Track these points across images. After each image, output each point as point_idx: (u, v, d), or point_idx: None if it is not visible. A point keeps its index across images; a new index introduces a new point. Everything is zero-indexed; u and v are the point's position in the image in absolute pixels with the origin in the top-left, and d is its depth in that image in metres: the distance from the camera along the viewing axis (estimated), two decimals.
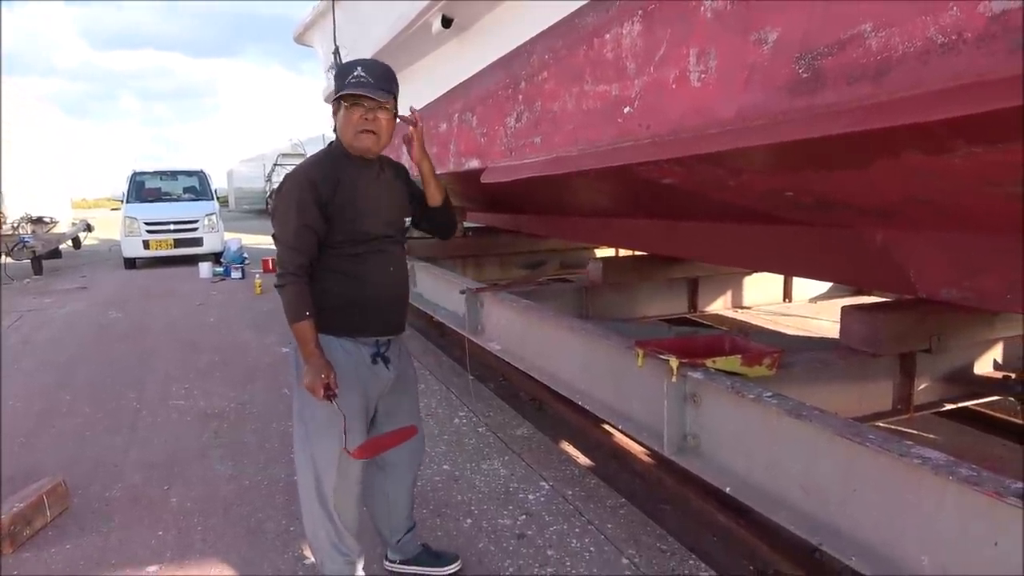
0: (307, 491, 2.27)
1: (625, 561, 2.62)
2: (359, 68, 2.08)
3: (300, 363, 2.16)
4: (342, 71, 2.11)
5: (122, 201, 13.42)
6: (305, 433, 2.23)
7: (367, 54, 5.39)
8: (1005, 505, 1.42)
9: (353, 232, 2.13)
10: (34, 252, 11.43)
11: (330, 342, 2.15)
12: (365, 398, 2.25)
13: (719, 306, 5.22)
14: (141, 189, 13.27)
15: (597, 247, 6.81)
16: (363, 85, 2.06)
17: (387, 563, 2.60)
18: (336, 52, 6.08)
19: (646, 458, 3.47)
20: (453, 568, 2.56)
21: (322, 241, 2.11)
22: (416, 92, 4.99)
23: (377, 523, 2.56)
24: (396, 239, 2.28)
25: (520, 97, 3.41)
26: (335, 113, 2.15)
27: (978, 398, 3.09)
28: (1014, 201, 1.81)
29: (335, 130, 2.19)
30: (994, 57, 1.35)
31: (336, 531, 2.27)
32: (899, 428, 2.97)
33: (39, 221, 13.12)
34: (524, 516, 2.97)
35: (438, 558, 2.58)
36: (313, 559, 2.43)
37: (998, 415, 3.60)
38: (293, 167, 2.23)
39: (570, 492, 3.17)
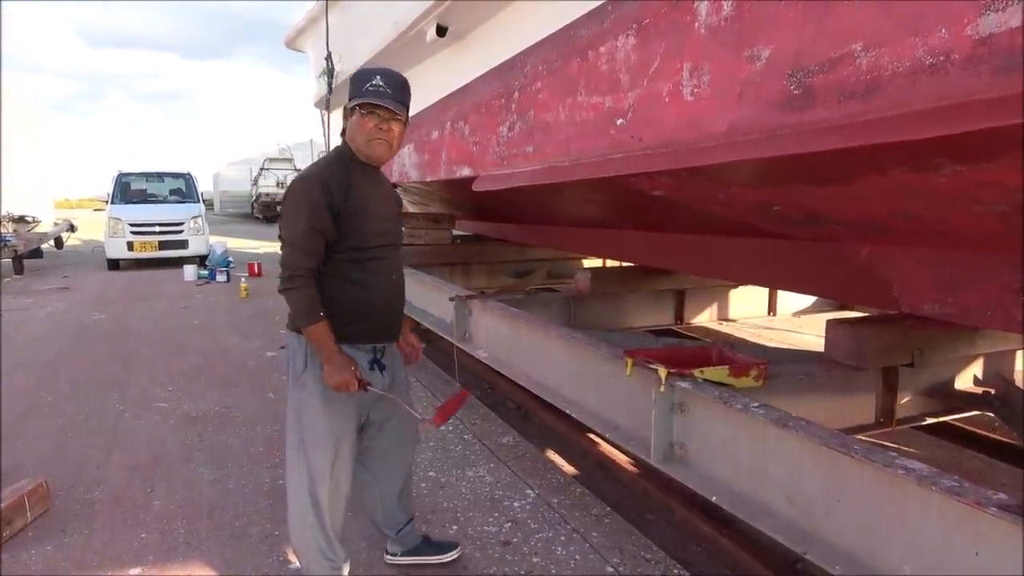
0: (299, 497, 2.27)
1: (610, 570, 2.63)
2: (378, 77, 2.09)
3: (299, 367, 2.19)
4: (360, 78, 2.12)
5: (107, 202, 13.31)
6: (300, 439, 2.23)
7: (360, 61, 5.41)
8: (986, 515, 1.45)
9: (360, 238, 2.13)
10: (15, 251, 11.30)
11: None
12: (359, 405, 2.28)
13: (705, 318, 5.26)
14: (126, 190, 13.16)
15: (585, 257, 6.84)
16: (381, 95, 2.07)
17: (388, 556, 2.63)
18: (328, 57, 6.09)
19: (631, 468, 3.49)
20: (454, 555, 2.62)
21: (329, 245, 2.10)
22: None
23: (372, 519, 2.60)
24: (395, 246, 2.31)
25: (513, 107, 3.44)
26: (347, 117, 2.16)
27: (958, 412, 3.14)
28: (997, 219, 1.86)
29: (342, 134, 2.21)
30: (980, 78, 1.40)
31: (325, 537, 2.27)
32: (881, 442, 3.01)
33: (21, 220, 12.98)
34: (510, 524, 2.97)
35: (438, 547, 2.64)
36: (298, 563, 2.43)
37: (977, 430, 3.65)
38: (303, 172, 2.23)
39: (555, 500, 3.18)
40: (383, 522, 2.57)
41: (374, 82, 2.07)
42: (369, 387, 2.17)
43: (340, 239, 2.10)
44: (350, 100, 2.12)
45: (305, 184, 2.10)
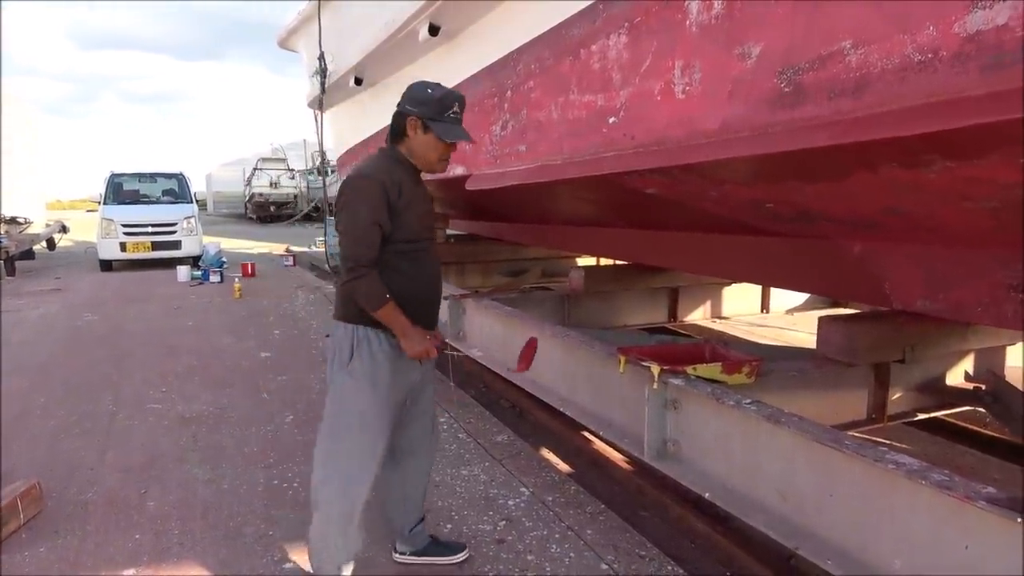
0: (329, 487, 2.29)
1: (604, 567, 2.63)
2: (457, 104, 2.25)
3: (345, 356, 2.24)
4: (439, 100, 2.23)
5: (99, 203, 13.24)
6: (346, 425, 2.27)
7: (353, 60, 5.41)
8: (976, 509, 1.46)
9: (409, 232, 2.25)
10: (7, 253, 11.23)
11: (377, 336, 2.25)
12: (403, 391, 2.35)
13: (698, 316, 5.28)
14: (119, 191, 13.07)
15: (579, 256, 6.86)
16: (460, 124, 2.26)
17: (396, 555, 2.64)
18: (321, 57, 6.09)
19: (625, 465, 3.50)
20: (462, 556, 2.64)
21: (384, 239, 2.21)
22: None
23: (390, 514, 2.61)
24: (433, 240, 2.47)
25: (506, 106, 3.45)
26: (413, 128, 2.24)
27: (950, 408, 3.16)
28: (987, 215, 1.87)
29: (396, 136, 2.29)
30: (968, 76, 1.41)
31: (345, 527, 2.30)
32: (873, 437, 3.02)
33: (12, 221, 12.90)
34: (504, 522, 2.98)
35: (448, 548, 2.66)
36: (295, 559, 2.42)
37: (969, 426, 3.67)
38: (359, 170, 2.28)
39: (550, 498, 3.19)
40: (400, 516, 2.59)
41: (455, 110, 2.24)
42: (447, 348, 2.34)
43: (392, 232, 2.22)
44: (426, 117, 2.21)
45: (366, 183, 2.21)
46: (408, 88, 2.29)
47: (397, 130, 2.29)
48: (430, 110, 2.21)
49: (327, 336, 2.36)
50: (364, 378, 2.24)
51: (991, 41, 1.35)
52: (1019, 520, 1.38)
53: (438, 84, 2.29)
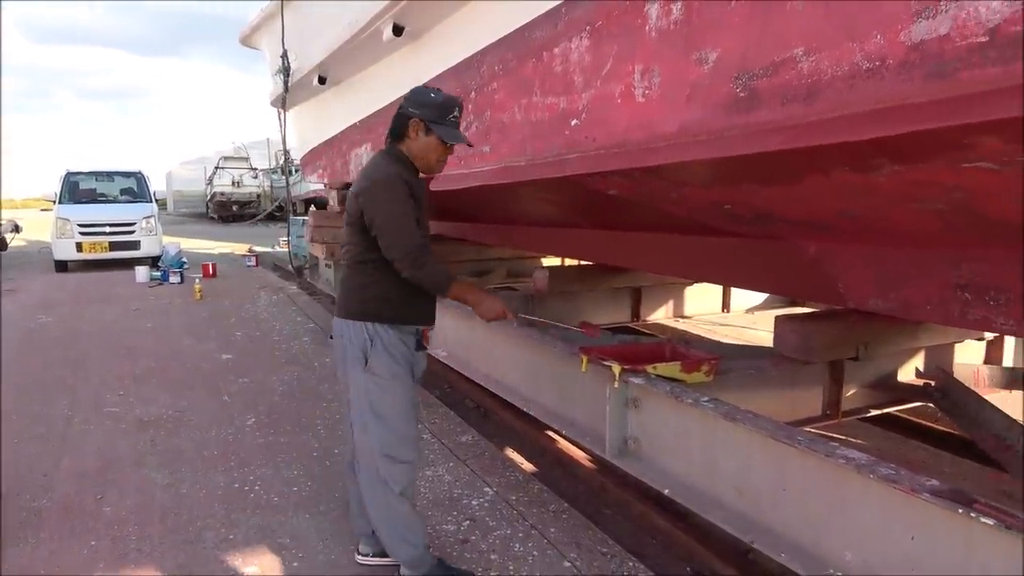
0: (385, 481, 2.36)
1: (567, 564, 2.66)
2: (457, 109, 2.34)
3: (361, 357, 2.30)
4: (440, 104, 2.31)
5: (54, 202, 12.90)
6: (380, 416, 2.33)
7: (316, 59, 5.36)
8: (921, 501, 1.51)
9: (420, 229, 2.33)
10: None
11: (385, 331, 2.31)
12: (413, 380, 2.44)
13: (661, 315, 5.35)
14: (75, 190, 12.75)
15: (544, 256, 6.89)
16: (458, 128, 2.35)
17: (359, 556, 2.63)
18: (284, 56, 6.03)
19: (589, 464, 3.53)
20: None
21: None
22: (366, 99, 4.99)
23: (355, 515, 2.61)
24: (429, 237, 2.53)
25: (470, 107, 3.45)
26: (415, 130, 2.31)
27: (902, 404, 3.25)
28: (934, 217, 1.94)
29: (400, 137, 2.34)
30: (912, 83, 1.46)
31: (411, 516, 2.40)
32: (827, 433, 3.10)
33: None
34: (468, 522, 2.99)
35: None
36: (253, 567, 2.40)
37: (922, 421, 3.78)
38: (380, 170, 2.31)
39: (514, 497, 3.20)
40: (361, 521, 2.58)
41: (455, 114, 2.33)
42: (518, 316, 2.53)
43: None
44: (428, 120, 2.28)
45: (389, 181, 2.27)
46: (410, 91, 2.36)
47: (398, 131, 2.35)
48: (432, 113, 2.29)
49: (330, 338, 2.42)
50: (385, 374, 2.32)
51: (934, 50, 1.40)
52: (961, 511, 1.44)
53: (439, 89, 2.37)
